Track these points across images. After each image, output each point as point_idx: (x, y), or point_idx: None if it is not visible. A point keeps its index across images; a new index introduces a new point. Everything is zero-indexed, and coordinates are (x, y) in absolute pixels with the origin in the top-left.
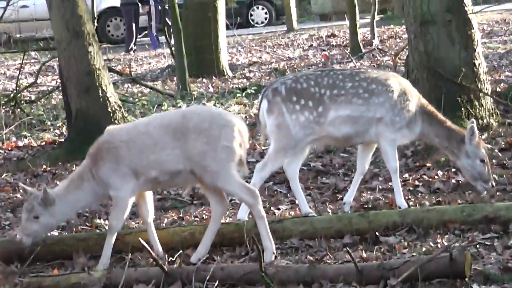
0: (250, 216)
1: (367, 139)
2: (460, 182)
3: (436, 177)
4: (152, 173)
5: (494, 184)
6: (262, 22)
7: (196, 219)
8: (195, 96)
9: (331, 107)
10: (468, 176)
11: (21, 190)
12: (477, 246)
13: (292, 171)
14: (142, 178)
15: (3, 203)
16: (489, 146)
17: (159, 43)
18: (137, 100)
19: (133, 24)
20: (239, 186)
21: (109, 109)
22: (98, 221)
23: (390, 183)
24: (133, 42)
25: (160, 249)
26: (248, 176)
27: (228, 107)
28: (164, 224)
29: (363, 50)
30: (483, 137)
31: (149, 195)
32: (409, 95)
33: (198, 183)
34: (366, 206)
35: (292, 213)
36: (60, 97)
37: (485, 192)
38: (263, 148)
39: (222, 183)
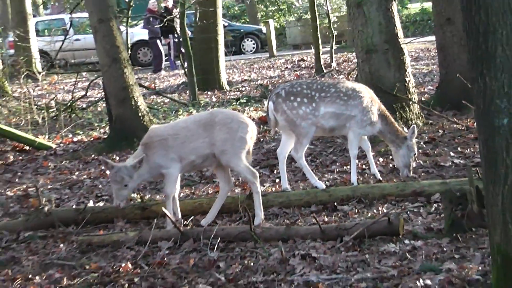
0: (243, 191)
1: (343, 132)
2: (395, 166)
3: (377, 162)
4: (191, 157)
5: (412, 173)
6: (251, 50)
7: (203, 193)
8: (202, 105)
9: (321, 104)
10: (401, 163)
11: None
12: (408, 212)
13: (281, 156)
14: (184, 161)
15: (63, 182)
16: (417, 140)
17: (175, 66)
18: (160, 107)
19: (161, 52)
20: (246, 167)
21: (139, 114)
22: (132, 195)
23: (344, 167)
24: (162, 65)
25: (180, 215)
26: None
27: None
28: (180, 197)
29: (325, 71)
30: None
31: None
32: (373, 101)
33: (214, 168)
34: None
35: (274, 189)
36: (104, 105)
37: (406, 176)
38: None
39: (234, 164)
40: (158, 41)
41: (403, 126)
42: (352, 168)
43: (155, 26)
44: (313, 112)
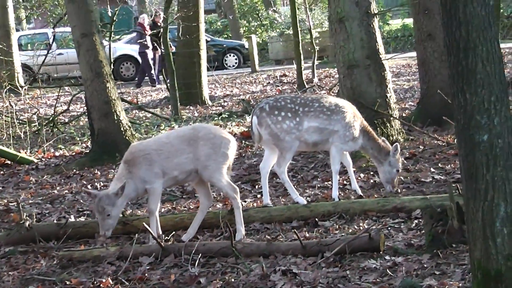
0: (225, 206)
1: (326, 147)
2: (376, 181)
3: (358, 178)
4: (174, 173)
5: (398, 190)
6: (233, 66)
7: (185, 208)
8: (185, 119)
9: (305, 119)
10: (383, 179)
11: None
12: (389, 228)
13: (264, 170)
14: (167, 176)
15: (44, 196)
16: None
17: (158, 81)
18: (142, 122)
19: (150, 66)
20: (227, 183)
21: (122, 129)
22: None
23: (326, 183)
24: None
25: (160, 231)
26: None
27: None
28: (161, 212)
29: (306, 86)
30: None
31: None
32: (356, 117)
33: (194, 183)
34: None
35: (255, 204)
36: (86, 120)
37: (390, 192)
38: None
39: (215, 179)
40: (148, 55)
41: (385, 141)
42: (334, 184)
43: (143, 41)
44: (297, 127)
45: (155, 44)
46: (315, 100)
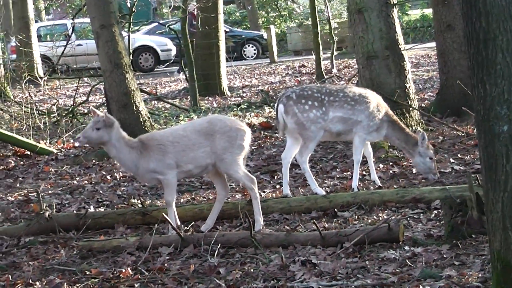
0: (244, 197)
1: (350, 137)
2: (395, 172)
3: (378, 169)
4: (189, 166)
5: (438, 175)
6: (252, 56)
7: (204, 199)
8: (203, 110)
9: (330, 109)
10: (421, 170)
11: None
12: (408, 219)
13: (285, 160)
14: (180, 169)
15: (64, 187)
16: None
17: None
18: (161, 113)
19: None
20: (244, 174)
21: (141, 119)
22: (132, 200)
23: (345, 173)
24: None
25: (178, 221)
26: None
27: None
28: (180, 203)
29: (325, 77)
30: None
31: None
32: (380, 107)
33: (209, 175)
34: (329, 189)
35: (274, 195)
36: (105, 111)
37: (434, 181)
38: (253, 148)
39: (232, 171)
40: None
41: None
42: (354, 174)
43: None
44: (323, 116)
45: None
46: (340, 90)
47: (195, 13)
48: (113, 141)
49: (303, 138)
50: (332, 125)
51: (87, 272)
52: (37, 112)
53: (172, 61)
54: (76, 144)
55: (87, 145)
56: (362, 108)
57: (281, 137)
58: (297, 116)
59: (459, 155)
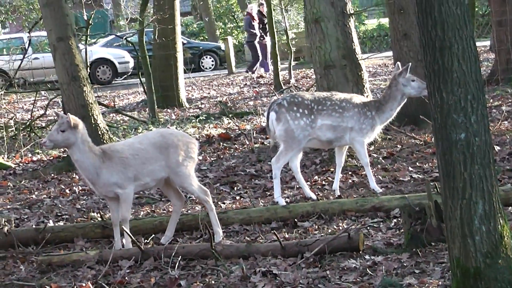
0: (203, 208)
1: (343, 143)
2: (354, 181)
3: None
4: (146, 179)
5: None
6: (210, 68)
7: (164, 211)
8: (162, 122)
9: (318, 117)
10: (415, 95)
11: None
12: (368, 228)
13: (294, 166)
14: (137, 182)
15: (22, 201)
16: (375, 155)
17: (267, 68)
18: (119, 125)
19: (258, 55)
20: (198, 187)
21: (99, 132)
22: (92, 214)
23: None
24: (254, 67)
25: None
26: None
27: (186, 129)
28: (140, 216)
29: (283, 87)
30: (371, 148)
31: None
32: (366, 107)
33: (161, 188)
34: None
35: (234, 206)
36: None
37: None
38: (212, 159)
39: (187, 184)
40: (256, 43)
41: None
42: (369, 176)
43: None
44: (311, 124)
45: (262, 33)
46: (327, 98)
47: (253, 12)
48: (79, 143)
49: (286, 145)
50: (321, 133)
51: (47, 287)
52: None
53: (129, 73)
54: (44, 148)
55: (53, 149)
56: (350, 114)
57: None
58: (288, 123)
59: (417, 163)
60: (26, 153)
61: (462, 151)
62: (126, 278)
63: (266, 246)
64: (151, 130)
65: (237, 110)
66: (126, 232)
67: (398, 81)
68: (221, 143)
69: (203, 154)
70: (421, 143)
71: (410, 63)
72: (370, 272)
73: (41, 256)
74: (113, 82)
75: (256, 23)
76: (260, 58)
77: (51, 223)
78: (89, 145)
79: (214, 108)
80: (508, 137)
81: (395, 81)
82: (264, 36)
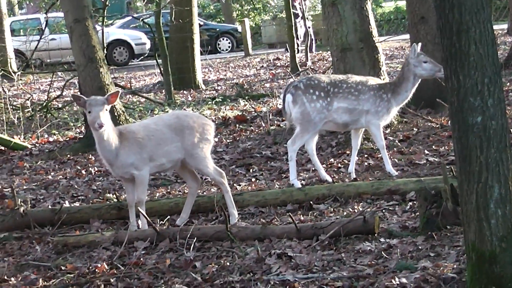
0: (219, 190)
1: (359, 126)
2: (370, 164)
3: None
4: (162, 160)
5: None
6: (227, 49)
7: (180, 193)
8: (178, 104)
9: (334, 99)
10: (427, 76)
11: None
12: (383, 211)
13: (310, 149)
14: (153, 163)
15: (38, 182)
16: (391, 138)
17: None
18: (136, 107)
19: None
20: (214, 169)
21: (115, 114)
22: (108, 195)
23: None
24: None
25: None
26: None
27: (202, 111)
28: (156, 197)
29: (300, 69)
30: (387, 131)
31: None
32: (382, 90)
33: (177, 170)
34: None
35: (249, 188)
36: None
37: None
38: (228, 141)
39: (202, 166)
40: (297, 22)
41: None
42: (385, 159)
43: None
44: (327, 107)
45: (303, 14)
46: (343, 81)
47: None
48: (111, 123)
49: (302, 127)
50: (337, 115)
51: (63, 268)
52: (11, 107)
53: (146, 54)
54: (101, 130)
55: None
56: (366, 97)
57: (288, 128)
58: (305, 105)
59: (433, 146)
60: (43, 133)
61: (479, 134)
62: (142, 259)
63: (281, 228)
64: (167, 111)
65: (253, 92)
66: (142, 213)
67: (409, 62)
68: (237, 125)
69: (219, 136)
70: (437, 126)
71: (420, 44)
72: (385, 255)
73: (57, 237)
74: (129, 63)
75: (297, 3)
76: (302, 37)
77: (67, 204)
78: (113, 125)
79: (231, 90)
80: None
81: (407, 61)
82: (306, 18)
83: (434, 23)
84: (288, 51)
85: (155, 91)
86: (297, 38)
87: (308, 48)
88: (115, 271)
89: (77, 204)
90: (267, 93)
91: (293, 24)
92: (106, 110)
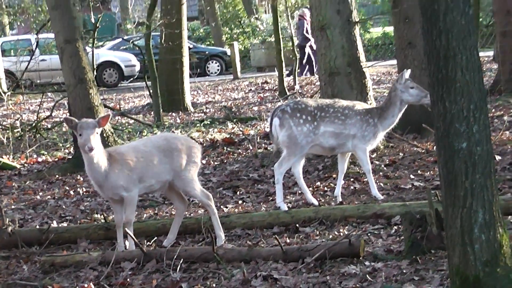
0: (206, 212)
1: (345, 150)
2: (356, 188)
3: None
4: (151, 181)
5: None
6: (216, 72)
7: (167, 214)
8: (167, 126)
9: (321, 123)
10: (414, 102)
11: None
12: (369, 234)
13: (297, 172)
14: (142, 184)
15: (26, 202)
16: (377, 162)
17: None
18: (124, 128)
19: (310, 58)
20: (201, 191)
21: (104, 135)
22: (95, 215)
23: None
24: (305, 70)
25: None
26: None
27: (191, 133)
28: (143, 218)
29: (288, 93)
30: (373, 155)
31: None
32: (368, 115)
33: (164, 192)
34: (291, 204)
35: (236, 210)
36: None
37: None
38: (216, 163)
39: (190, 188)
40: (308, 47)
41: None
42: (370, 183)
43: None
44: (314, 130)
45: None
46: (330, 106)
47: (306, 16)
48: (101, 145)
49: (289, 151)
50: (324, 139)
51: (49, 287)
52: (1, 127)
53: (136, 76)
54: (92, 153)
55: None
56: (353, 122)
57: (275, 151)
58: (292, 129)
59: (419, 171)
60: (32, 154)
61: (464, 160)
62: (128, 279)
63: (267, 250)
64: (156, 133)
65: (241, 115)
66: (129, 234)
67: (396, 87)
68: (225, 148)
69: (207, 158)
70: (423, 151)
71: (409, 70)
72: (370, 278)
73: (44, 257)
74: (119, 85)
75: (309, 27)
76: (314, 61)
77: (55, 224)
78: (102, 148)
79: (219, 112)
80: (509, 146)
81: (394, 87)
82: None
83: (422, 49)
84: (301, 76)
85: (144, 112)
86: (304, 63)
87: (298, 71)
88: None
89: (65, 224)
90: (255, 116)
91: (304, 47)
92: (97, 133)
